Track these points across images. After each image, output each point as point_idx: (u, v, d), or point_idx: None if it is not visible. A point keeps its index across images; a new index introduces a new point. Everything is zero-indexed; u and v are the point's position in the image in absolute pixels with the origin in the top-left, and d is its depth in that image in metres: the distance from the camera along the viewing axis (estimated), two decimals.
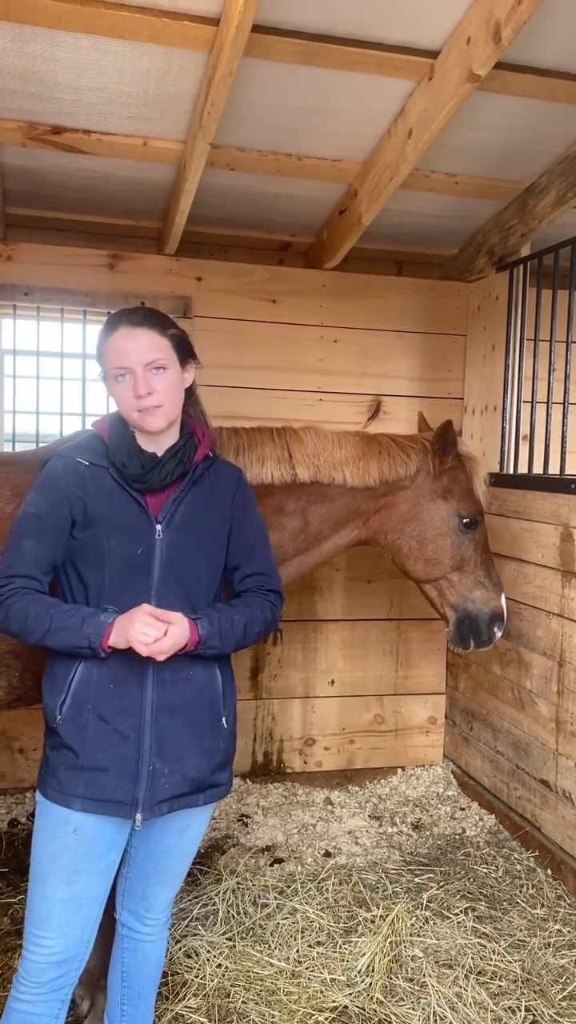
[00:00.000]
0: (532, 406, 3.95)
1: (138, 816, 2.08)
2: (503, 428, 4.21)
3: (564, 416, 3.60)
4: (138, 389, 2.08)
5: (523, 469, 4.09)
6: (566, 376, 3.59)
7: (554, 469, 3.78)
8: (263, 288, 4.40)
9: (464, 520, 3.25)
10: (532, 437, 3.96)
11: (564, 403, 3.61)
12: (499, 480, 4.09)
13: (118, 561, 2.10)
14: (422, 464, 3.22)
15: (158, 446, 2.18)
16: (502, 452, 4.21)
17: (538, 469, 3.92)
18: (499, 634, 3.39)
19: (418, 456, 3.22)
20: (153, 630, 1.95)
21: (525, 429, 4.12)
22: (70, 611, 2.04)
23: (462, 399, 4.70)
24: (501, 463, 4.21)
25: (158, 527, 2.14)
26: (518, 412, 4.15)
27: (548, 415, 3.80)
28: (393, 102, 3.19)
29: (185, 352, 2.19)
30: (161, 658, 1.98)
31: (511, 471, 4.16)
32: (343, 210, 4.03)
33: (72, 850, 2.08)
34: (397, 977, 2.92)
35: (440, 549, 3.25)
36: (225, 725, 2.22)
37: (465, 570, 3.30)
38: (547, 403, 3.82)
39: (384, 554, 3.42)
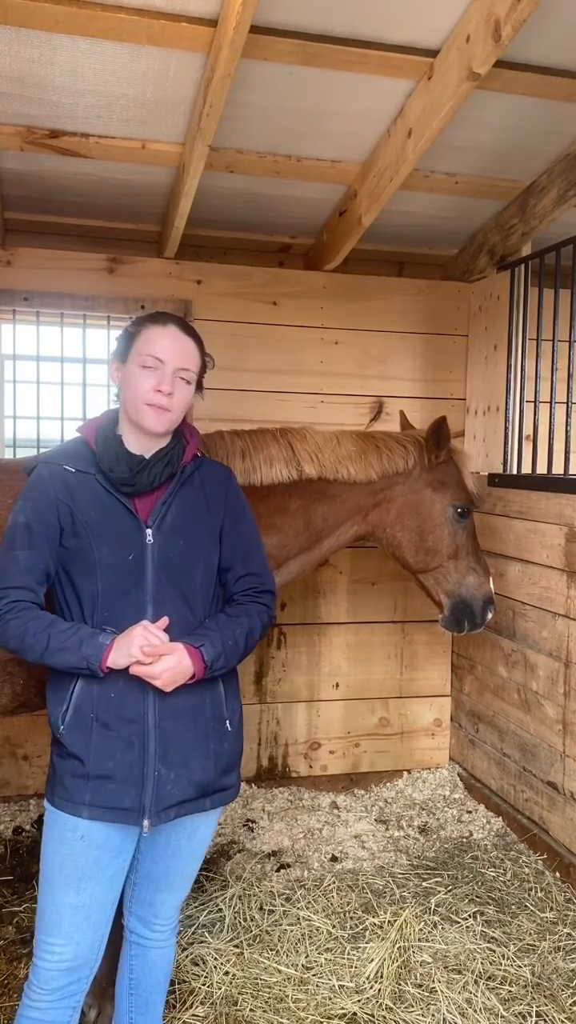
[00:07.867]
0: (535, 406, 3.93)
1: (145, 822, 2.07)
2: (506, 428, 4.19)
3: (568, 415, 3.59)
4: (163, 385, 2.10)
5: (526, 469, 4.06)
6: (569, 375, 3.58)
7: (558, 469, 3.76)
8: (263, 290, 4.38)
9: (458, 510, 3.38)
10: (535, 437, 3.94)
11: (568, 402, 3.59)
12: (502, 480, 4.07)
13: (110, 569, 2.08)
14: (418, 458, 3.34)
15: (147, 449, 2.17)
16: (505, 452, 4.19)
17: (541, 469, 3.90)
18: (491, 616, 3.53)
19: (414, 450, 3.35)
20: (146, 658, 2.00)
21: (528, 429, 4.10)
22: (68, 630, 2.02)
23: (464, 400, 4.68)
24: (504, 463, 4.19)
25: (148, 531, 2.12)
26: (521, 412, 4.13)
27: (551, 415, 3.78)
28: (392, 102, 3.18)
29: (202, 380, 2.25)
30: (157, 683, 2.01)
31: (514, 471, 4.13)
32: (343, 211, 4.01)
33: (80, 857, 2.07)
34: (406, 983, 2.90)
35: (438, 539, 3.38)
36: (229, 727, 2.21)
37: (459, 558, 3.43)
38: (550, 403, 3.80)
39: (383, 549, 3.51)
